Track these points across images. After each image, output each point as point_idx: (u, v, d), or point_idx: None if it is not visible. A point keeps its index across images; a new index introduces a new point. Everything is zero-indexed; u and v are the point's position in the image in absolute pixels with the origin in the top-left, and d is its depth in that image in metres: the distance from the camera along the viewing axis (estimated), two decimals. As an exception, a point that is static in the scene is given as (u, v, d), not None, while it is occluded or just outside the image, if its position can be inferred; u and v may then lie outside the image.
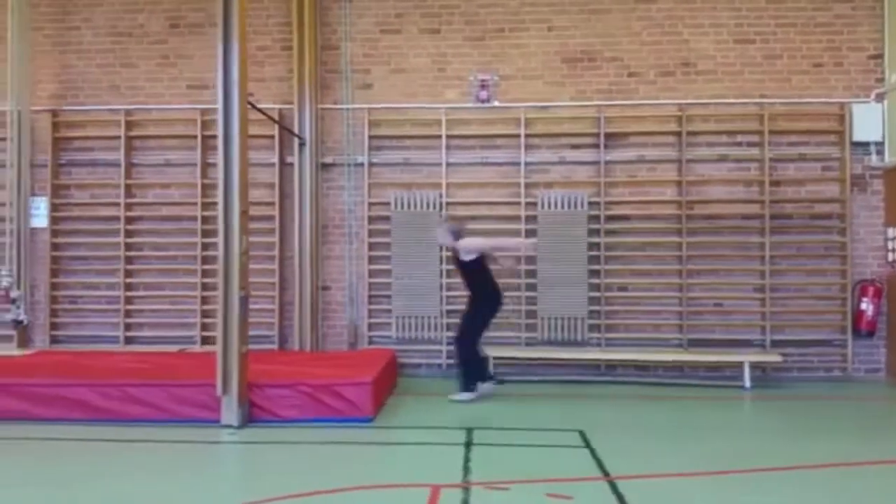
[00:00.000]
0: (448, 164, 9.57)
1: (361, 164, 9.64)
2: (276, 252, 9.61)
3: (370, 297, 9.63)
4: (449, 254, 8.46)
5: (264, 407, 6.75)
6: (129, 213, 9.80)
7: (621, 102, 9.44)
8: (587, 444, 5.97)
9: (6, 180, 9.60)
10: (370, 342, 9.63)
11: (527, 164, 9.49)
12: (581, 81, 9.51)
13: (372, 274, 9.63)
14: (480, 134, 9.65)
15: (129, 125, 9.86)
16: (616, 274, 9.43)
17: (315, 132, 9.53)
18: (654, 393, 8.58)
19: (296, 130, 9.41)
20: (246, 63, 6.69)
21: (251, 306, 7.10)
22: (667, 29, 9.47)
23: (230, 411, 6.50)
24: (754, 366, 8.82)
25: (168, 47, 9.91)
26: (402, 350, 9.42)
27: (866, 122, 9.18)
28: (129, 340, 9.73)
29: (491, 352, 9.09)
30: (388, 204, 9.57)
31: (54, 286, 9.84)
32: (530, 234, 9.42)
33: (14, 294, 9.49)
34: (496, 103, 9.59)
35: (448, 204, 9.54)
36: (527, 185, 9.47)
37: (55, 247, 9.87)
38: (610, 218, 9.39)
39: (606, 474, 5.16)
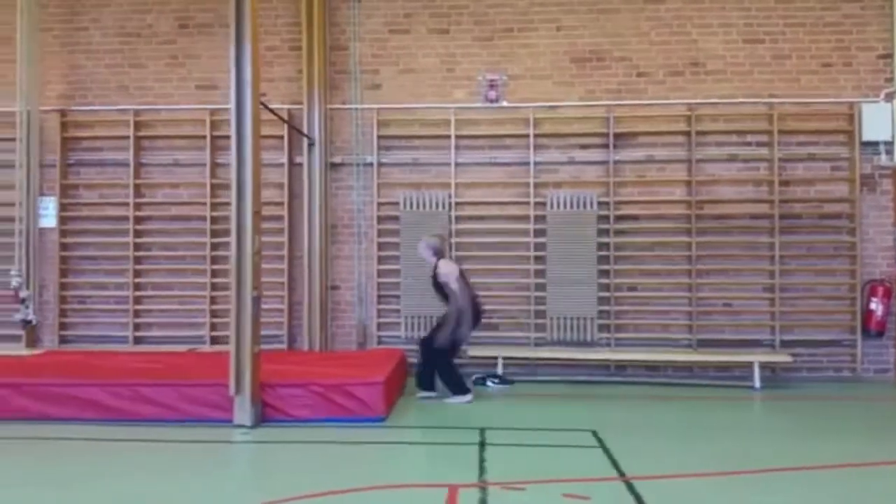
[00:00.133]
0: (457, 164, 9.57)
1: (370, 164, 9.65)
2: (284, 252, 9.61)
3: (379, 296, 9.63)
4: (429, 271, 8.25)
5: (276, 407, 6.75)
6: (138, 213, 9.81)
7: (630, 102, 9.43)
8: (601, 444, 5.97)
9: (15, 180, 9.61)
10: (379, 342, 9.63)
11: (536, 163, 9.49)
12: (590, 81, 9.51)
13: (381, 274, 9.63)
14: (489, 134, 9.65)
15: (138, 125, 9.86)
16: (625, 274, 9.43)
17: (324, 132, 9.53)
18: (663, 393, 8.58)
19: (305, 130, 9.41)
20: (258, 63, 6.70)
21: (261, 306, 7.10)
22: (675, 29, 9.46)
23: (243, 411, 6.51)
24: (763, 366, 8.81)
25: (177, 47, 9.91)
26: (411, 350, 9.39)
27: (875, 121, 9.16)
28: (137, 340, 9.74)
29: (500, 352, 9.14)
30: (396, 204, 9.57)
31: (63, 286, 9.84)
32: (539, 233, 9.43)
33: (23, 294, 9.49)
34: (505, 103, 9.59)
35: (457, 204, 9.54)
36: (536, 185, 9.47)
37: (64, 247, 9.88)
38: (619, 218, 9.39)
39: (622, 474, 5.16)
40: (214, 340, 9.62)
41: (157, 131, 9.94)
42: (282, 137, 9.56)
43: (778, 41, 9.38)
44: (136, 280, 9.77)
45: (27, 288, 9.55)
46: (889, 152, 9.18)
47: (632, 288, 9.45)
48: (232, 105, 6.60)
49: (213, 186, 9.69)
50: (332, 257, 9.68)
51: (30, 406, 6.83)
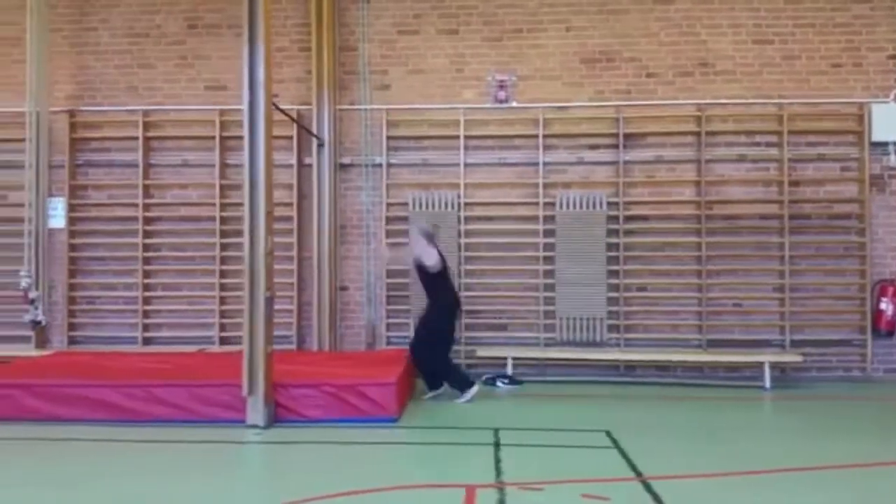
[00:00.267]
0: (466, 165, 9.57)
1: (379, 165, 9.64)
2: (294, 252, 9.61)
3: (388, 297, 9.63)
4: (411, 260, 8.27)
5: (289, 407, 6.75)
6: (147, 214, 9.81)
7: (640, 103, 9.44)
8: (615, 445, 5.96)
9: (25, 181, 9.61)
10: (388, 342, 9.62)
11: (545, 164, 9.49)
12: (599, 82, 9.51)
13: (390, 274, 9.63)
14: (498, 134, 9.65)
15: (147, 126, 9.87)
16: (635, 274, 9.43)
17: (333, 133, 9.53)
18: (674, 393, 8.58)
19: (314, 131, 9.41)
20: (270, 64, 6.69)
21: (271, 307, 7.10)
22: (685, 29, 9.46)
23: (256, 411, 6.50)
24: (773, 366, 8.81)
25: (186, 48, 9.92)
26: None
27: (885, 122, 9.17)
28: (147, 341, 9.74)
29: (510, 352, 9.14)
30: (405, 204, 9.57)
31: (72, 287, 9.85)
32: (548, 234, 9.43)
33: (33, 294, 9.49)
34: (514, 104, 9.59)
35: (466, 204, 9.54)
36: (545, 186, 9.47)
37: (72, 247, 9.88)
38: (629, 218, 9.39)
39: (639, 474, 5.15)
40: (224, 341, 9.63)
41: (167, 132, 9.94)
42: (291, 138, 9.56)
43: (787, 42, 9.38)
44: (146, 281, 9.77)
45: (36, 289, 9.55)
46: (898, 153, 9.20)
47: (641, 288, 9.45)
48: (245, 105, 6.59)
49: (222, 187, 9.70)
50: (342, 258, 9.68)
51: (41, 407, 6.82)
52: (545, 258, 9.43)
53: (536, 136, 9.47)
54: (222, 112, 9.69)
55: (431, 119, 9.67)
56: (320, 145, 9.46)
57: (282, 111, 8.06)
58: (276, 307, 8.81)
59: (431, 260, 7.81)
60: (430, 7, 9.70)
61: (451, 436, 6.48)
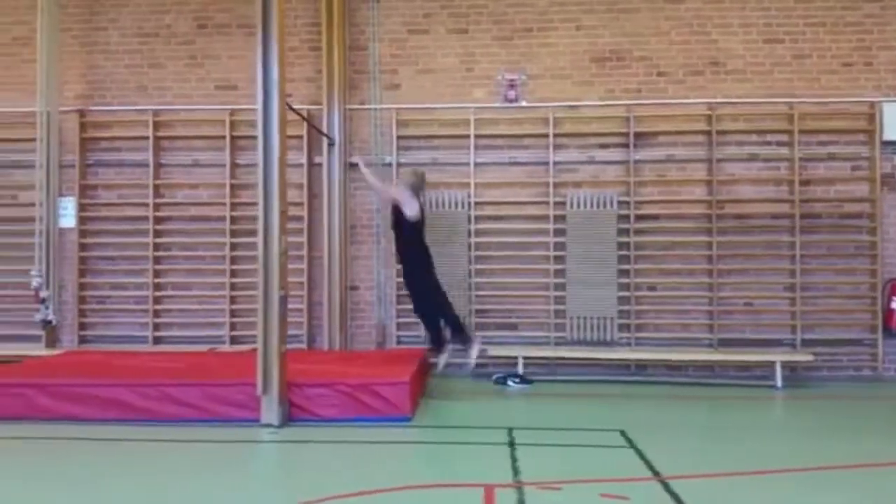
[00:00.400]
0: (476, 164, 9.56)
1: (389, 165, 9.64)
2: (304, 252, 9.61)
3: (398, 296, 9.61)
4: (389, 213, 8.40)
5: (303, 406, 6.74)
6: (158, 214, 9.81)
7: (650, 102, 9.43)
8: (631, 444, 5.95)
9: (35, 181, 9.63)
10: (398, 342, 9.63)
11: (555, 163, 9.48)
12: (610, 81, 9.51)
13: (400, 274, 9.57)
14: (508, 134, 9.64)
15: (157, 125, 9.87)
16: (645, 273, 9.42)
17: (343, 132, 9.53)
18: (685, 393, 8.57)
19: (324, 130, 9.41)
20: (284, 63, 6.69)
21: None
22: (695, 28, 9.46)
23: (271, 410, 6.50)
24: (784, 365, 8.79)
25: (196, 48, 9.92)
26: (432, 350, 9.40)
27: (896, 121, 9.17)
28: (157, 340, 9.75)
29: (520, 352, 9.13)
30: (416, 204, 9.57)
31: (82, 286, 9.86)
32: (559, 233, 9.43)
33: (43, 294, 9.51)
34: (524, 103, 9.59)
35: (476, 204, 9.54)
36: (555, 185, 9.46)
37: (83, 247, 9.89)
38: (639, 217, 9.38)
39: (656, 474, 5.15)
40: (234, 340, 9.65)
41: (177, 132, 9.95)
42: (301, 137, 9.56)
43: (798, 41, 9.37)
44: (156, 280, 9.77)
45: (47, 288, 9.56)
46: (910, 152, 9.18)
47: (652, 287, 9.44)
48: (259, 105, 6.58)
49: (232, 187, 9.72)
50: (352, 257, 9.68)
51: (54, 406, 6.80)
52: (555, 257, 9.43)
53: (547, 136, 9.46)
54: (233, 112, 9.70)
55: (441, 118, 9.67)
56: (330, 145, 9.46)
57: (294, 110, 8.06)
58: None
59: (411, 210, 7.81)
60: (440, 6, 9.70)
61: (464, 435, 6.48)
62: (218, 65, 9.87)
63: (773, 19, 9.39)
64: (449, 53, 9.68)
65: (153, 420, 6.68)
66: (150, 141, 9.80)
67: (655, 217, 9.44)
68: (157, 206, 9.81)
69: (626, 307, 9.35)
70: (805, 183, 9.30)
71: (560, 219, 9.42)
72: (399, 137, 9.65)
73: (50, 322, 9.61)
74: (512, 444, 5.96)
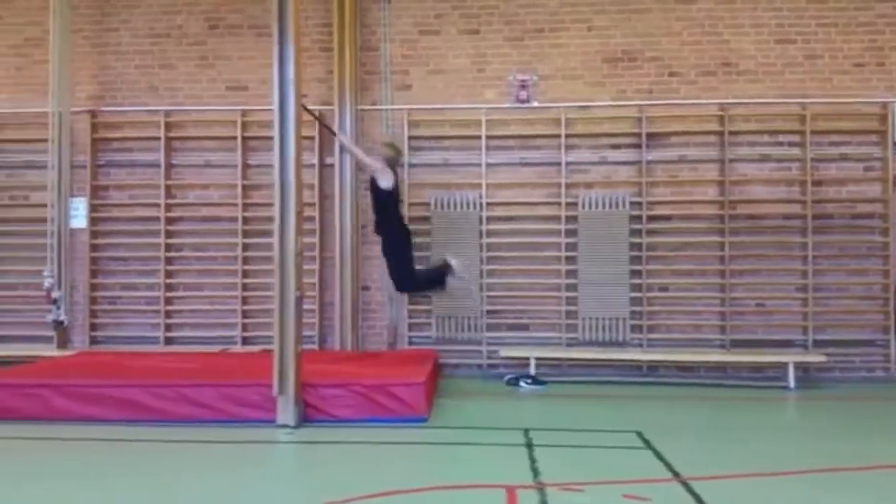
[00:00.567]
0: (487, 165, 9.57)
1: (401, 165, 9.60)
2: (316, 252, 9.60)
3: (410, 297, 9.61)
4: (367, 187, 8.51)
5: (318, 407, 6.74)
6: (169, 214, 9.82)
7: (662, 102, 9.42)
8: (648, 446, 5.95)
9: (47, 181, 9.64)
10: (410, 342, 9.63)
11: (567, 164, 9.48)
12: (622, 81, 9.50)
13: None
14: (520, 134, 9.64)
15: (169, 126, 9.88)
16: (657, 274, 9.42)
17: (355, 133, 9.53)
18: (698, 394, 8.55)
19: (336, 131, 9.40)
20: (301, 63, 6.70)
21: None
22: (707, 29, 9.45)
23: (286, 411, 6.50)
24: (796, 366, 8.78)
25: (207, 48, 9.92)
26: (441, 350, 9.41)
27: (908, 121, 9.16)
28: (168, 341, 9.75)
29: (532, 353, 9.12)
30: (427, 204, 9.58)
31: (93, 287, 9.87)
32: (570, 233, 9.43)
33: (55, 294, 9.52)
34: (536, 103, 9.59)
35: (487, 204, 9.54)
36: (567, 186, 9.46)
37: (94, 247, 9.90)
38: (651, 218, 9.37)
39: (676, 475, 5.14)
40: (245, 341, 9.65)
41: (188, 132, 9.95)
42: (312, 138, 9.56)
43: (810, 41, 9.36)
44: (167, 281, 9.78)
45: (59, 289, 9.57)
46: (922, 152, 9.17)
47: (664, 288, 9.43)
48: (275, 105, 6.59)
49: (244, 188, 9.72)
50: (364, 258, 9.68)
51: (70, 406, 6.81)
52: (567, 258, 9.43)
53: (558, 136, 9.46)
54: (244, 112, 9.71)
55: (453, 119, 9.67)
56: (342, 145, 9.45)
57: (308, 111, 8.06)
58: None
59: (386, 182, 7.93)
60: (451, 7, 9.70)
61: (481, 436, 6.46)
62: (229, 65, 9.88)
63: (785, 20, 9.39)
64: (460, 54, 9.68)
65: (168, 421, 6.69)
66: (162, 141, 9.80)
67: (667, 217, 9.43)
68: (168, 207, 9.82)
69: (637, 308, 9.34)
70: (817, 183, 9.29)
71: (572, 219, 9.42)
72: (410, 138, 9.65)
73: (61, 322, 9.62)
74: (529, 445, 5.96)
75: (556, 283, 9.47)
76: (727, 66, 9.42)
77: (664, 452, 5.71)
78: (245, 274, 9.69)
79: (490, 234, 9.53)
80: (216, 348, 9.43)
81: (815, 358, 8.88)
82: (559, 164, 9.47)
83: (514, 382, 8.88)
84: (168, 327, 9.78)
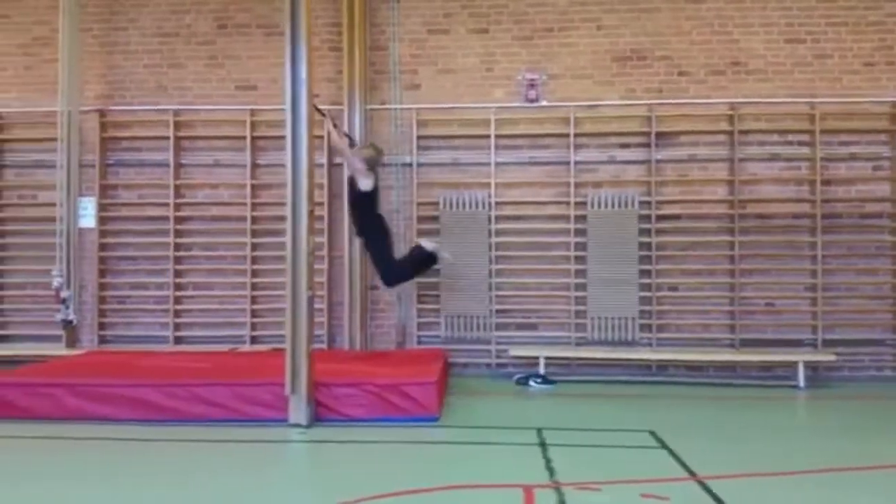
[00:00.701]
0: (496, 164, 9.56)
1: (409, 165, 9.64)
2: (324, 252, 9.60)
3: (419, 296, 9.62)
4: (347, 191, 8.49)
5: (330, 406, 6.74)
6: (178, 214, 9.82)
7: (672, 101, 9.42)
8: (663, 445, 5.95)
9: (56, 181, 9.64)
10: (418, 342, 9.63)
11: (576, 163, 9.48)
12: (631, 80, 9.50)
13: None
14: (529, 133, 9.64)
15: (178, 125, 9.88)
16: (667, 273, 9.41)
17: (364, 132, 9.53)
18: (708, 393, 8.55)
19: (345, 131, 9.40)
20: (313, 63, 6.70)
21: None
22: (717, 28, 9.45)
23: (299, 410, 6.50)
24: (806, 365, 8.78)
25: (216, 48, 9.92)
26: (450, 349, 9.41)
27: (918, 121, 9.15)
28: (178, 340, 9.76)
29: (541, 352, 9.11)
30: (436, 204, 9.57)
31: (102, 286, 9.87)
32: (579, 233, 9.42)
33: (64, 294, 9.51)
34: (545, 102, 9.58)
35: (496, 203, 9.53)
36: (576, 185, 9.46)
37: (103, 247, 9.90)
38: (660, 217, 9.37)
39: (693, 474, 5.14)
40: (254, 340, 9.66)
41: (197, 132, 9.95)
42: (322, 138, 9.54)
43: (819, 41, 9.36)
44: (176, 280, 9.78)
45: (68, 288, 9.57)
46: (932, 152, 9.16)
47: (673, 288, 9.43)
48: (287, 105, 6.59)
49: (253, 187, 9.73)
50: (372, 257, 9.66)
51: (82, 406, 6.81)
52: (576, 257, 9.43)
53: (567, 135, 9.46)
54: (253, 112, 9.72)
55: (461, 118, 9.67)
56: (351, 145, 9.44)
57: (318, 110, 8.05)
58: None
59: (365, 185, 7.93)
60: (460, 6, 9.70)
61: (494, 435, 6.47)
62: (238, 65, 9.88)
63: (795, 19, 9.38)
64: (469, 53, 9.68)
65: (181, 420, 6.70)
66: (171, 141, 9.80)
67: (677, 217, 9.42)
68: (177, 206, 9.82)
69: (647, 307, 9.34)
70: (826, 183, 9.29)
71: (581, 219, 9.42)
72: (419, 137, 9.64)
73: (70, 322, 9.62)
74: (543, 445, 5.96)
75: (565, 283, 9.47)
76: (736, 65, 9.41)
77: (679, 452, 5.71)
78: (254, 273, 9.69)
79: (499, 233, 9.53)
80: (225, 347, 9.43)
81: (824, 357, 8.88)
82: (568, 163, 9.47)
83: (523, 382, 8.87)
84: (177, 326, 9.79)
